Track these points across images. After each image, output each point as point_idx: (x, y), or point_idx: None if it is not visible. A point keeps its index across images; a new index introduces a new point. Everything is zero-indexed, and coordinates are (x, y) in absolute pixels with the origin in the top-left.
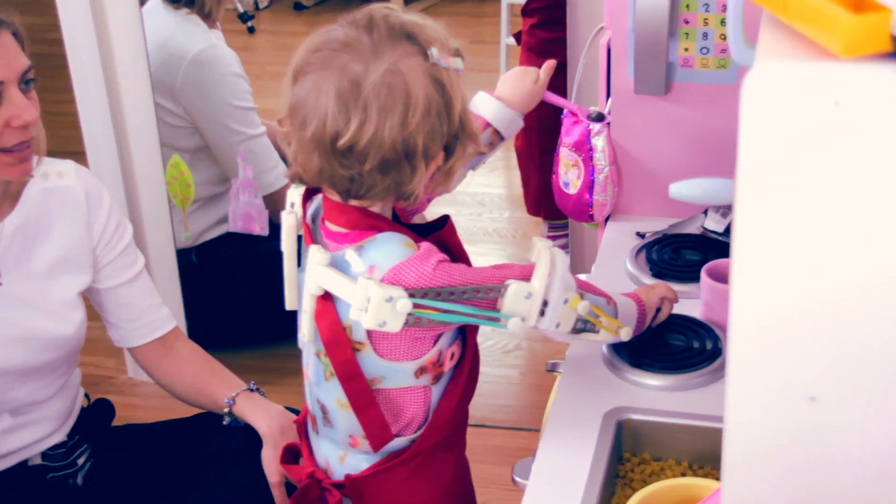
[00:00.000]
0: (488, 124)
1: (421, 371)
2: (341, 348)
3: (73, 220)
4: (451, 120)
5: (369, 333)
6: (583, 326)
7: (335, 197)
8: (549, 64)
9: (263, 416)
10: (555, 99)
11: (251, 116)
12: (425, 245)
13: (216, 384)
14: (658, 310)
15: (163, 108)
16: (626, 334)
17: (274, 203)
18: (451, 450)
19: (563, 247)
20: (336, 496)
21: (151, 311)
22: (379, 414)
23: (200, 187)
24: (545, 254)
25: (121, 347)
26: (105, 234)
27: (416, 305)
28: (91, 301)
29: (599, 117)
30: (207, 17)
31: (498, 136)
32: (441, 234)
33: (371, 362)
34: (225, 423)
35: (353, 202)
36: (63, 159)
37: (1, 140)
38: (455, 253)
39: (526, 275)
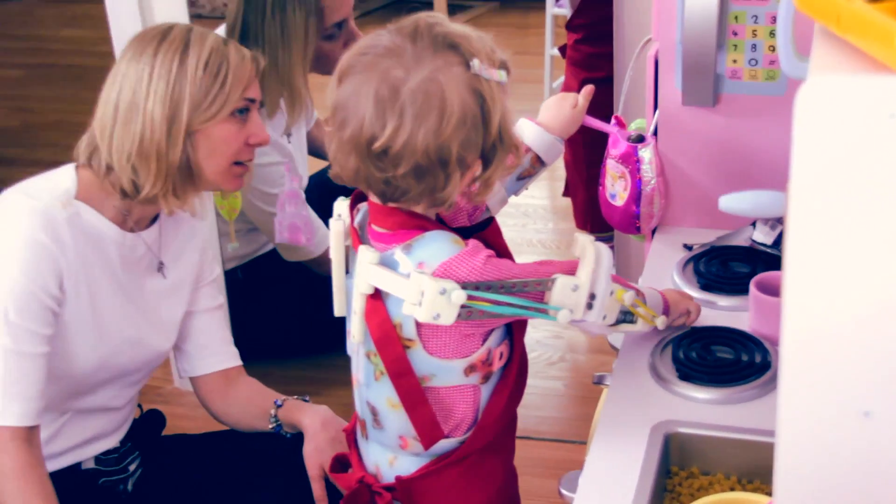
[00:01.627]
0: (529, 149)
1: (470, 369)
2: (392, 346)
3: (194, 248)
4: (488, 131)
5: (419, 331)
6: (623, 318)
7: (377, 200)
8: (588, 89)
9: (307, 412)
10: (595, 123)
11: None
12: (472, 242)
13: (268, 402)
14: (684, 313)
15: None
16: (661, 323)
17: (319, 266)
18: (500, 454)
19: None
20: (386, 498)
21: (223, 345)
22: (430, 411)
23: (245, 221)
24: (589, 248)
25: (184, 374)
26: (206, 260)
27: (469, 297)
28: None
29: (640, 139)
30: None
31: (539, 162)
32: (485, 234)
33: (421, 360)
34: (270, 426)
35: (392, 205)
36: None
37: (240, 153)
38: (500, 252)
39: (570, 270)
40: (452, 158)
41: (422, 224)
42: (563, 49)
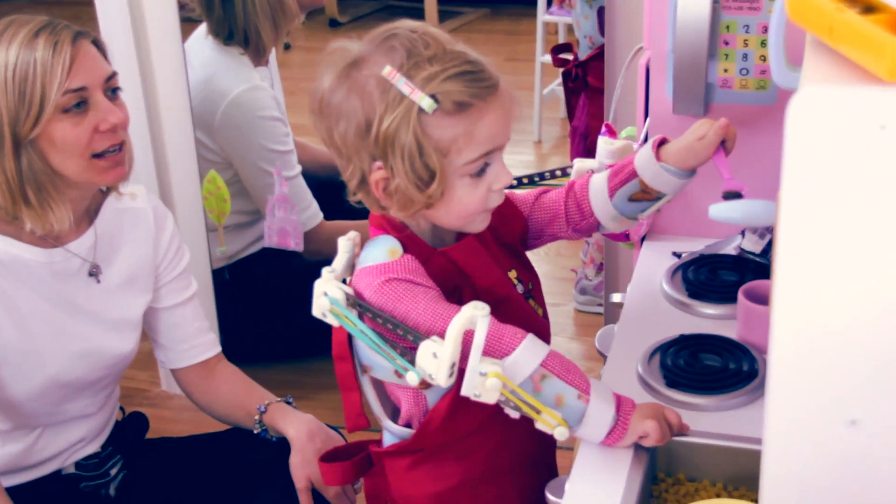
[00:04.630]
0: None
1: (399, 375)
2: (339, 330)
3: (143, 241)
4: (375, 138)
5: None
6: (516, 406)
7: None
8: (721, 123)
9: (293, 421)
10: (722, 166)
11: (287, 158)
12: (403, 259)
13: (252, 399)
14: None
15: (200, 142)
16: (560, 434)
17: (308, 241)
18: (461, 458)
19: (599, 267)
20: (367, 458)
21: (199, 334)
22: (356, 399)
23: (234, 215)
24: (460, 319)
25: (163, 366)
26: (167, 255)
27: (335, 309)
28: (143, 322)
29: (737, 196)
30: (259, 56)
31: (651, 190)
32: (448, 251)
33: (363, 350)
34: (256, 431)
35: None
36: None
37: (93, 145)
38: (465, 272)
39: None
40: (341, 156)
41: (383, 225)
42: (555, 52)
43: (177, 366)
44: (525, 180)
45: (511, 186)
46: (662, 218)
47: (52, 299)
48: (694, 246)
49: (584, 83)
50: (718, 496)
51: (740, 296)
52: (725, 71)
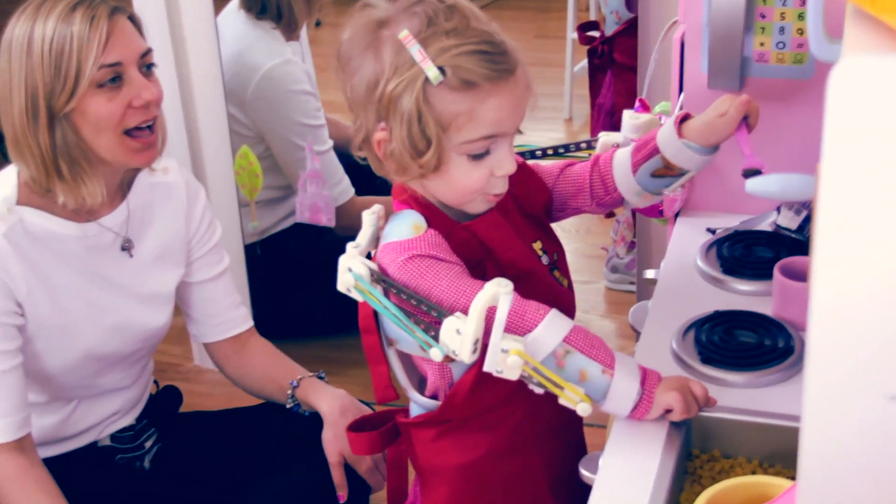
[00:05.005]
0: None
1: (423, 349)
2: (365, 304)
3: (175, 215)
4: (378, 98)
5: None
6: (539, 383)
7: None
8: (742, 100)
9: (325, 397)
10: (743, 142)
11: (318, 133)
12: (428, 233)
13: (284, 373)
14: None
15: (232, 116)
16: (582, 410)
17: (339, 217)
18: (487, 429)
19: (630, 245)
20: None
21: (231, 308)
22: (384, 372)
23: (266, 190)
24: (484, 296)
25: (196, 340)
26: (200, 229)
27: (359, 285)
28: (177, 296)
29: (756, 173)
30: (290, 30)
31: (674, 166)
32: (471, 226)
33: (388, 323)
34: (288, 405)
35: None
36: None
37: (125, 121)
38: (488, 246)
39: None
40: (352, 110)
41: (406, 200)
42: (581, 29)
43: (209, 340)
44: (550, 151)
45: (536, 157)
46: (696, 194)
47: (85, 273)
48: (728, 222)
49: (611, 59)
50: (754, 473)
51: (776, 272)
52: (762, 45)
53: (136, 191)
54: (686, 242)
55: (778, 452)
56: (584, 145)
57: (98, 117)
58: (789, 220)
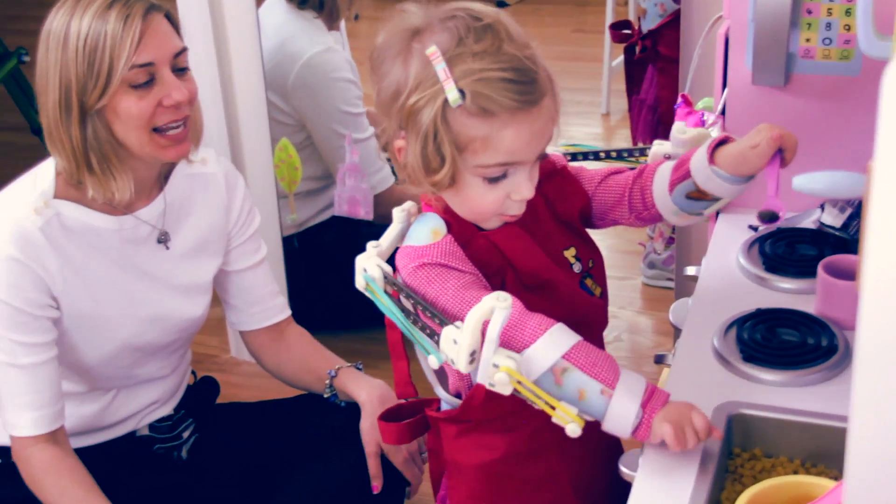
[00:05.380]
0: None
1: (425, 354)
2: None
3: (214, 205)
4: (401, 104)
5: None
6: (530, 399)
7: None
8: (774, 134)
9: (364, 386)
10: (771, 179)
11: (359, 121)
12: (443, 240)
13: (322, 362)
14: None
15: (273, 105)
16: (571, 431)
17: (378, 205)
18: (506, 431)
19: (668, 241)
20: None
21: (270, 297)
22: (404, 367)
23: (305, 182)
24: (480, 309)
25: (233, 327)
26: (240, 218)
27: (370, 286)
28: (215, 283)
29: (774, 217)
30: (332, 20)
31: (705, 192)
32: (490, 234)
33: None
34: (325, 395)
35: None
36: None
37: (154, 119)
38: (506, 255)
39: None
40: (379, 113)
41: (430, 202)
42: (615, 27)
43: (247, 328)
44: (602, 154)
45: (585, 158)
46: None
47: (122, 265)
48: None
49: (655, 52)
50: (795, 473)
51: (820, 270)
52: (808, 41)
53: (174, 183)
54: (728, 240)
55: (820, 452)
56: (637, 153)
57: (128, 115)
58: (834, 218)
